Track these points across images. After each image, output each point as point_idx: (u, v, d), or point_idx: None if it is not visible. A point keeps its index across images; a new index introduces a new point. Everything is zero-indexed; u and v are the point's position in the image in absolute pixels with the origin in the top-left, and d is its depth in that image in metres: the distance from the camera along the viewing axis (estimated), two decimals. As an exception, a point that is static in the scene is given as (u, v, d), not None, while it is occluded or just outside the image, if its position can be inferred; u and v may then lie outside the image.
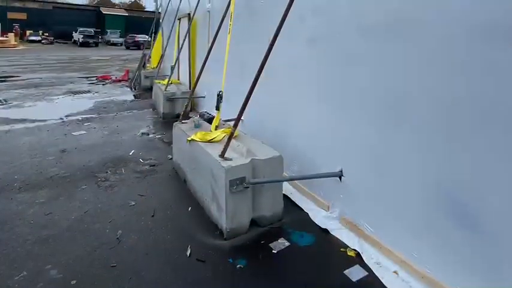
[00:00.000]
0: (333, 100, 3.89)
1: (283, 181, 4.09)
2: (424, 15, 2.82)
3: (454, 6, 2.57)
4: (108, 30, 47.34)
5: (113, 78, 14.97)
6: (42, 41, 40.80)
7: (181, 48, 9.07)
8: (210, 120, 4.81)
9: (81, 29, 42.41)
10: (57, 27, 47.00)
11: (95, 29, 44.81)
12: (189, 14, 9.13)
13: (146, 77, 12.51)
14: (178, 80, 10.45)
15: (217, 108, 4.48)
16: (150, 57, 13.51)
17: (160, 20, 14.53)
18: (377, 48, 3.29)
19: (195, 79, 5.89)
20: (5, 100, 9.87)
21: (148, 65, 13.36)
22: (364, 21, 3.44)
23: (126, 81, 14.16)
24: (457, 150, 2.61)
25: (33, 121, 7.84)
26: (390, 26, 3.13)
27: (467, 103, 2.51)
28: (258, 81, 3.74)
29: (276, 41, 3.71)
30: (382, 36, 3.24)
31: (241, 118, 3.87)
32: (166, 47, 11.98)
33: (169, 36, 11.65)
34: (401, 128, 3.06)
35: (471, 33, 2.46)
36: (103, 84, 13.49)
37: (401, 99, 3.05)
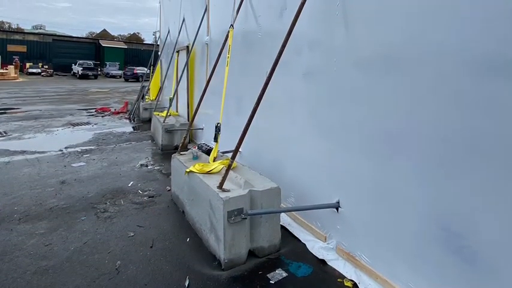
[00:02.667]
0: (330, 132, 3.94)
1: (280, 212, 4.15)
2: (419, 49, 2.88)
3: (449, 41, 2.62)
4: (107, 63, 48.07)
5: (112, 110, 15.15)
6: (42, 74, 41.22)
7: (180, 80, 9.23)
8: (208, 151, 4.89)
9: (80, 61, 43.10)
10: (57, 59, 47.86)
11: (94, 62, 45.61)
12: (187, 47, 9.37)
13: (145, 109, 12.67)
14: (177, 111, 10.60)
15: (215, 139, 4.58)
16: (148, 89, 13.70)
17: (159, 53, 14.86)
18: (374, 82, 3.34)
19: (194, 111, 6.02)
20: (5, 132, 9.96)
21: (147, 97, 13.54)
22: (360, 56, 3.50)
23: (125, 113, 14.34)
24: (454, 182, 2.62)
25: (33, 153, 7.90)
26: (387, 60, 3.18)
27: (465, 136, 2.53)
28: (256, 114, 3.85)
29: (274, 74, 3.84)
30: (379, 71, 3.28)
31: (239, 150, 3.95)
32: (165, 79, 12.20)
33: (167, 69, 11.86)
34: (398, 160, 3.09)
35: (466, 67, 2.50)
36: (102, 116, 13.64)
37: (398, 132, 3.08)
